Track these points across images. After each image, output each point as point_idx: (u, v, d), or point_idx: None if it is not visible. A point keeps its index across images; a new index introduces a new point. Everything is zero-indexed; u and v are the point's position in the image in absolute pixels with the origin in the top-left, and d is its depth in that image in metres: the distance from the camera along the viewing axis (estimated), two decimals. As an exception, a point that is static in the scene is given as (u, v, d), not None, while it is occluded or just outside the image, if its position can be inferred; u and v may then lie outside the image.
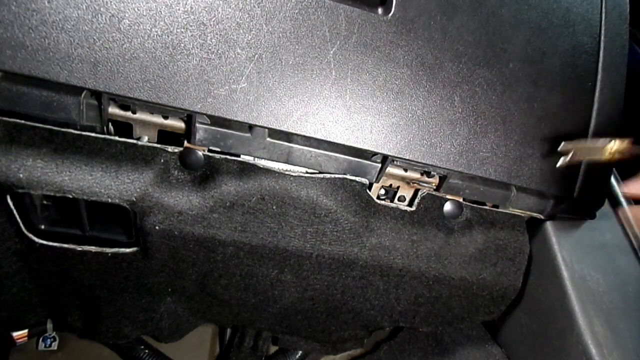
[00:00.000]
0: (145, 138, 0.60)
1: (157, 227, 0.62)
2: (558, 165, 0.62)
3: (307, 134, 0.58)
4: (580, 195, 0.70)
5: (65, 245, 0.65)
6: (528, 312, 0.81)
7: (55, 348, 1.01)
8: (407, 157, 0.62)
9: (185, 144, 0.60)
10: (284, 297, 0.77)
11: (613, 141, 0.56)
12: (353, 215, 0.66)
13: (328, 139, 0.59)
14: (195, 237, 0.64)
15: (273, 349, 1.10)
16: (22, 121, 0.55)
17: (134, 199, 0.60)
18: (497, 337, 0.89)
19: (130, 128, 0.60)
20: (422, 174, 0.68)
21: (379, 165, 0.64)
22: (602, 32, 0.68)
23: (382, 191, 0.71)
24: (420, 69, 0.60)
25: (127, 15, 0.51)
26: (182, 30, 0.53)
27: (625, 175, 0.84)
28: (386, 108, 0.60)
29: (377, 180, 0.66)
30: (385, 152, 0.61)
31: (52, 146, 0.57)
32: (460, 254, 0.73)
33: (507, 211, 0.74)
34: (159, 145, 0.59)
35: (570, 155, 0.61)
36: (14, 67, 0.50)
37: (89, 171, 0.59)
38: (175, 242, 0.65)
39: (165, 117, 0.59)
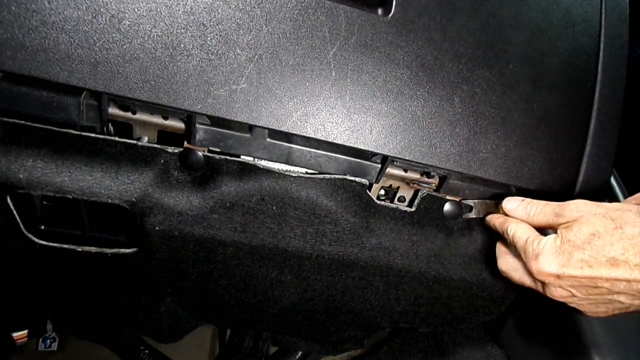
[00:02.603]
0: (145, 138, 0.60)
1: (157, 228, 0.62)
2: (464, 216, 0.70)
3: (307, 135, 0.59)
4: (580, 196, 0.70)
5: (65, 246, 0.65)
6: (528, 313, 0.81)
7: (55, 349, 1.01)
8: (407, 158, 0.62)
9: (185, 144, 0.60)
10: (283, 297, 0.77)
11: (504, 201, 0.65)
12: (353, 216, 0.66)
13: (328, 140, 0.59)
14: (195, 238, 0.64)
15: (273, 349, 1.10)
16: (22, 121, 0.55)
17: (134, 200, 0.60)
18: (497, 338, 0.89)
19: (130, 128, 0.60)
20: (422, 175, 0.68)
21: (379, 165, 0.64)
22: (602, 32, 0.68)
23: (382, 192, 0.71)
24: (420, 69, 0.60)
25: (127, 15, 0.51)
26: (182, 30, 0.53)
27: (625, 176, 0.84)
28: (386, 108, 0.60)
29: (377, 181, 0.66)
30: (385, 152, 0.61)
31: (52, 146, 0.57)
32: (460, 255, 0.73)
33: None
34: (159, 146, 0.59)
35: (472, 212, 0.70)
36: (14, 68, 0.50)
37: (89, 172, 0.59)
38: (175, 243, 0.65)
39: (165, 118, 0.59)
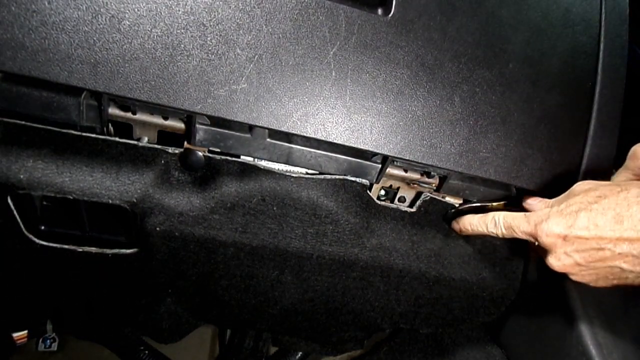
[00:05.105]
0: (145, 139, 0.60)
1: (157, 228, 0.62)
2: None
3: (307, 135, 0.59)
4: (580, 196, 0.70)
5: (66, 246, 0.65)
6: (528, 313, 0.81)
7: (55, 349, 1.01)
8: (407, 158, 0.62)
9: (186, 144, 0.60)
10: (284, 298, 0.77)
11: (491, 203, 0.68)
12: (353, 216, 0.66)
13: (328, 140, 0.59)
14: (196, 238, 0.64)
15: (273, 349, 1.10)
16: (23, 122, 0.55)
17: (135, 200, 0.60)
18: (497, 338, 0.89)
19: (130, 129, 0.60)
20: (422, 175, 0.68)
21: (379, 165, 0.64)
22: (602, 32, 0.68)
23: (382, 192, 0.71)
24: (420, 69, 0.60)
25: (127, 16, 0.51)
26: (182, 31, 0.53)
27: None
28: (386, 108, 0.60)
29: (377, 181, 0.66)
30: (386, 152, 0.61)
31: (53, 147, 0.57)
32: (460, 255, 0.73)
33: None
34: (159, 147, 0.59)
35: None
36: (14, 68, 0.50)
37: (89, 172, 0.59)
38: (175, 243, 0.65)
39: (165, 118, 0.59)
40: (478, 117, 0.63)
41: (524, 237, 0.59)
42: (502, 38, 0.63)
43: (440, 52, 0.61)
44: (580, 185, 0.57)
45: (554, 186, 0.68)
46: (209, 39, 0.54)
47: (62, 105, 0.55)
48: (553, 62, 0.66)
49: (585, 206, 0.53)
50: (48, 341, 1.00)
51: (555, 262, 0.56)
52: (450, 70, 0.61)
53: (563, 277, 0.58)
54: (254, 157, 0.63)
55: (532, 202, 0.64)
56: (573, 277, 0.57)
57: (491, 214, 0.63)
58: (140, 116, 0.58)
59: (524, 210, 0.65)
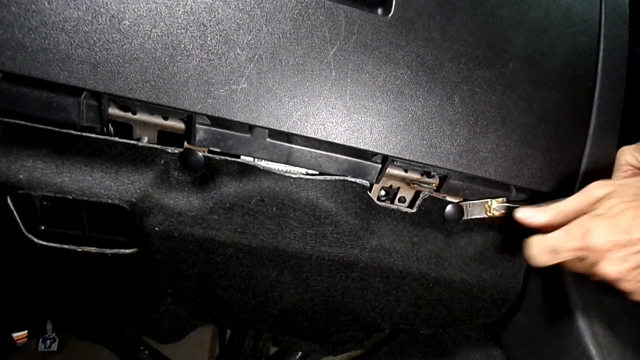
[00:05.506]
0: (145, 139, 0.60)
1: (156, 228, 0.62)
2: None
3: (308, 135, 0.59)
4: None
5: (66, 246, 0.65)
6: (528, 313, 0.81)
7: (55, 349, 1.01)
8: (407, 158, 0.62)
9: (185, 144, 0.60)
10: (283, 298, 0.77)
11: (490, 200, 0.67)
12: (353, 217, 0.66)
13: (328, 140, 0.59)
14: (195, 238, 0.64)
15: (273, 350, 1.10)
16: (23, 122, 0.55)
17: (134, 200, 0.60)
18: (497, 338, 0.89)
19: (130, 129, 0.60)
20: (422, 175, 0.68)
21: (379, 165, 0.64)
22: (602, 32, 0.68)
23: (382, 192, 0.71)
24: (420, 69, 0.60)
25: (127, 16, 0.51)
26: (182, 31, 0.53)
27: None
28: (386, 108, 0.60)
29: (378, 181, 0.66)
30: (386, 152, 0.61)
31: (53, 147, 0.57)
32: (460, 256, 0.73)
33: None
34: (159, 146, 0.59)
35: (463, 215, 0.70)
36: (13, 68, 0.50)
37: (89, 172, 0.59)
38: (175, 243, 0.65)
39: (165, 118, 0.59)
40: (478, 117, 0.63)
41: (570, 255, 0.53)
42: (502, 38, 0.63)
43: (440, 52, 0.61)
44: (601, 188, 0.53)
45: (554, 186, 0.68)
46: (209, 39, 0.54)
47: (62, 105, 0.55)
48: (553, 62, 0.66)
49: (629, 206, 0.50)
50: (48, 341, 1.00)
51: (613, 268, 0.50)
52: (450, 70, 0.61)
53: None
54: (254, 157, 0.63)
55: (527, 214, 0.58)
56: (623, 285, 0.52)
57: (530, 249, 0.55)
58: (140, 116, 0.58)
59: (514, 220, 0.61)
